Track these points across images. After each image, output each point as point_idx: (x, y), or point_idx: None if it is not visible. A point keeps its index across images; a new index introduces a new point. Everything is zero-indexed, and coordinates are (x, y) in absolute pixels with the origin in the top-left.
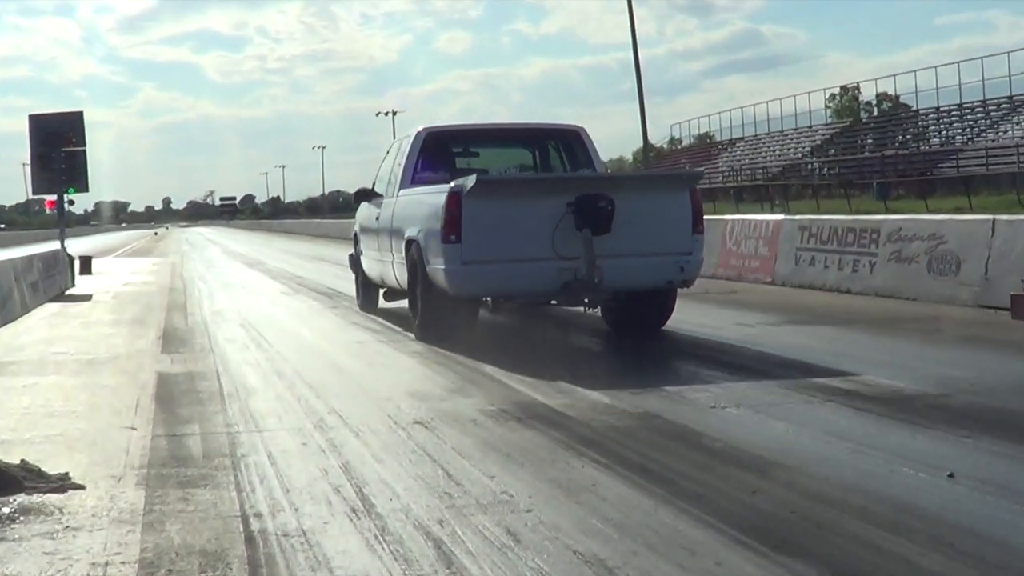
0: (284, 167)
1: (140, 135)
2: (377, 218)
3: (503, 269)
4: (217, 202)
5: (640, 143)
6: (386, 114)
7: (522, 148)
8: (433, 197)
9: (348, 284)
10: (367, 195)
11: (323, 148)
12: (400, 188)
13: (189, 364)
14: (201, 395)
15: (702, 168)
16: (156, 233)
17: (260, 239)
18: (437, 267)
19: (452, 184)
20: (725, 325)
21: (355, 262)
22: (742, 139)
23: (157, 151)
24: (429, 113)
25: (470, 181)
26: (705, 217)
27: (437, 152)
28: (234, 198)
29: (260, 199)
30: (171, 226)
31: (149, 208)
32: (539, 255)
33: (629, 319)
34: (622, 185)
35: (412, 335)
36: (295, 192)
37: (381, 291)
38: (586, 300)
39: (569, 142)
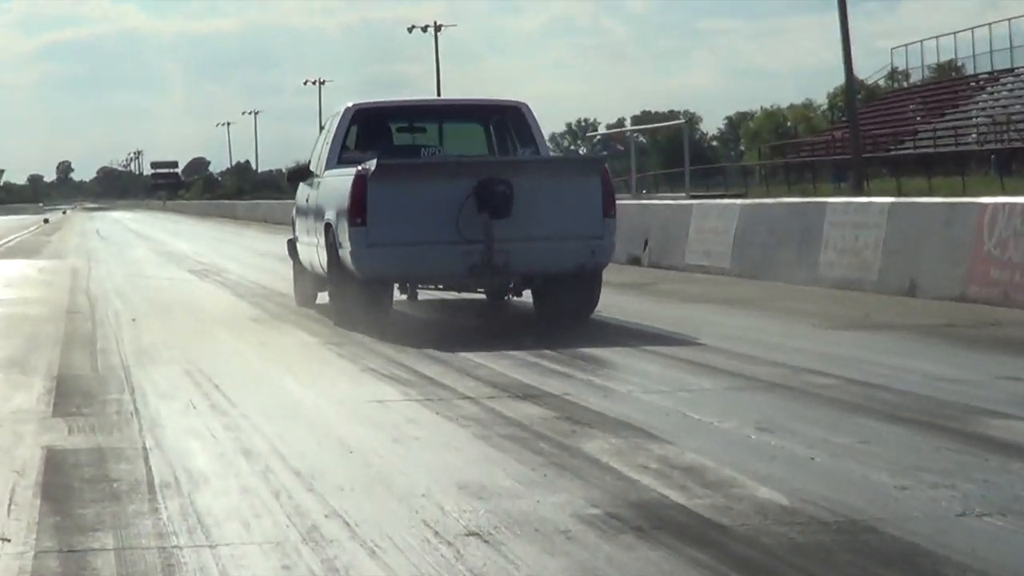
0: (257, 114)
1: (19, 62)
2: (308, 199)
3: (409, 252)
4: (147, 171)
5: (842, 78)
6: (424, 29)
7: (469, 123)
8: (344, 179)
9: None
10: (303, 174)
11: (321, 84)
12: (326, 168)
13: (98, 435)
14: (117, 486)
15: (621, 147)
16: (47, 220)
17: (218, 230)
18: (346, 250)
19: (359, 167)
20: (979, 378)
21: (292, 248)
22: (1010, 72)
23: (48, 88)
24: (490, 31)
25: (372, 165)
26: (950, 201)
27: (370, 129)
28: (175, 164)
29: (218, 166)
30: (72, 208)
31: (35, 179)
32: (445, 238)
33: (556, 306)
34: (524, 169)
35: (463, 390)
36: (275, 154)
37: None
38: (511, 286)
39: (511, 119)
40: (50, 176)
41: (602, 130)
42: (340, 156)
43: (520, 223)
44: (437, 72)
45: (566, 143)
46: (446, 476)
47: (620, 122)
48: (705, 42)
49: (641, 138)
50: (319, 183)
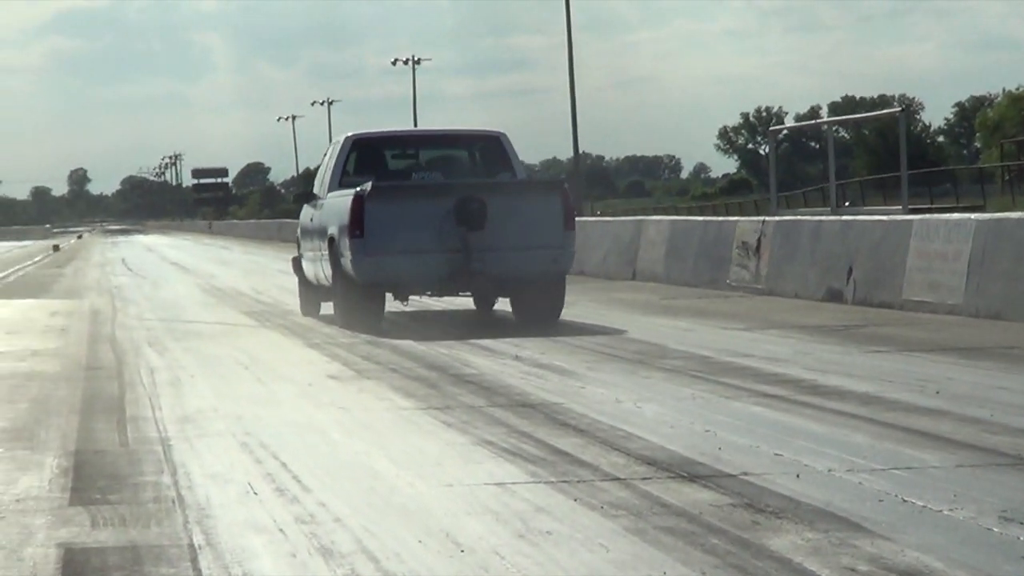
0: (332, 104)
1: (19, 36)
2: (312, 219)
3: (400, 259)
4: (187, 181)
5: None
6: None
7: (453, 151)
8: (345, 199)
9: (479, 357)
10: (308, 197)
11: (416, 64)
12: (328, 191)
13: (130, 528)
14: None
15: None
16: (57, 247)
17: (283, 259)
18: (347, 259)
19: (357, 189)
20: None
21: (297, 265)
22: None
23: (56, 71)
24: None
25: (368, 186)
26: None
27: (366, 156)
28: (224, 172)
29: (280, 174)
30: (89, 230)
31: (41, 193)
32: (430, 248)
33: (528, 310)
34: (496, 190)
35: (609, 469)
36: None
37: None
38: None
39: (490, 147)
40: (60, 188)
41: (790, 122)
42: (341, 180)
43: (493, 235)
44: (569, 46)
45: (742, 140)
46: None
47: (814, 111)
48: (930, 3)
49: (842, 132)
50: (322, 204)
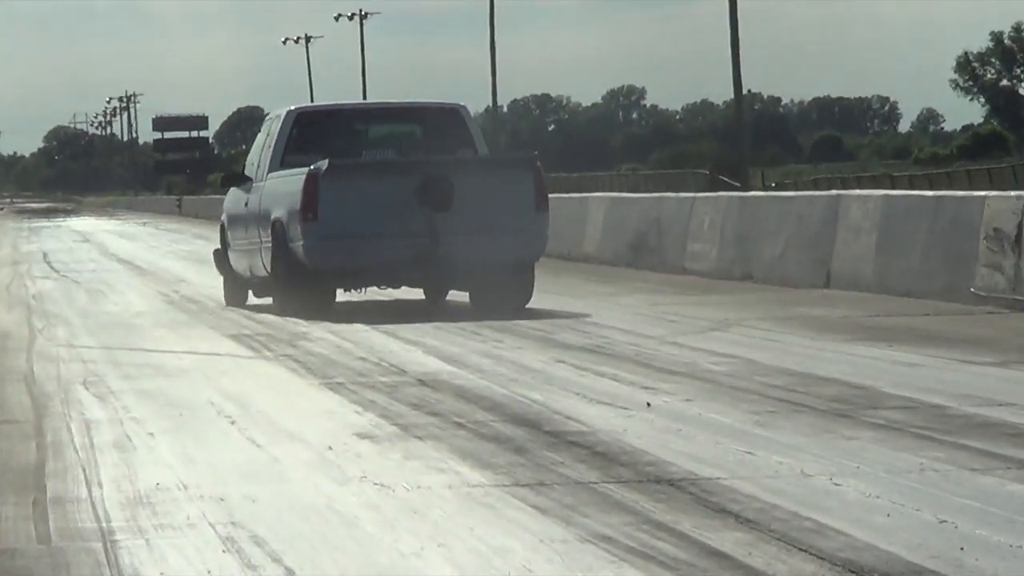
0: (364, 18)
1: None
2: (246, 204)
3: (357, 244)
4: (146, 135)
5: None
6: None
7: (408, 126)
8: (294, 178)
9: (589, 405)
10: (237, 180)
11: None
12: (269, 172)
13: None
14: None
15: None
16: None
17: None
18: (297, 243)
19: (311, 167)
20: None
21: (221, 258)
22: None
23: None
24: None
25: (324, 164)
26: None
27: (311, 133)
28: (203, 121)
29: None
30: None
31: None
32: (390, 231)
33: (491, 299)
34: (462, 168)
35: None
36: (397, 91)
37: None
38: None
39: (448, 121)
40: None
41: None
42: (283, 160)
43: (460, 218)
44: None
45: (991, 74)
46: None
47: None
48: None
49: None
50: (261, 187)
